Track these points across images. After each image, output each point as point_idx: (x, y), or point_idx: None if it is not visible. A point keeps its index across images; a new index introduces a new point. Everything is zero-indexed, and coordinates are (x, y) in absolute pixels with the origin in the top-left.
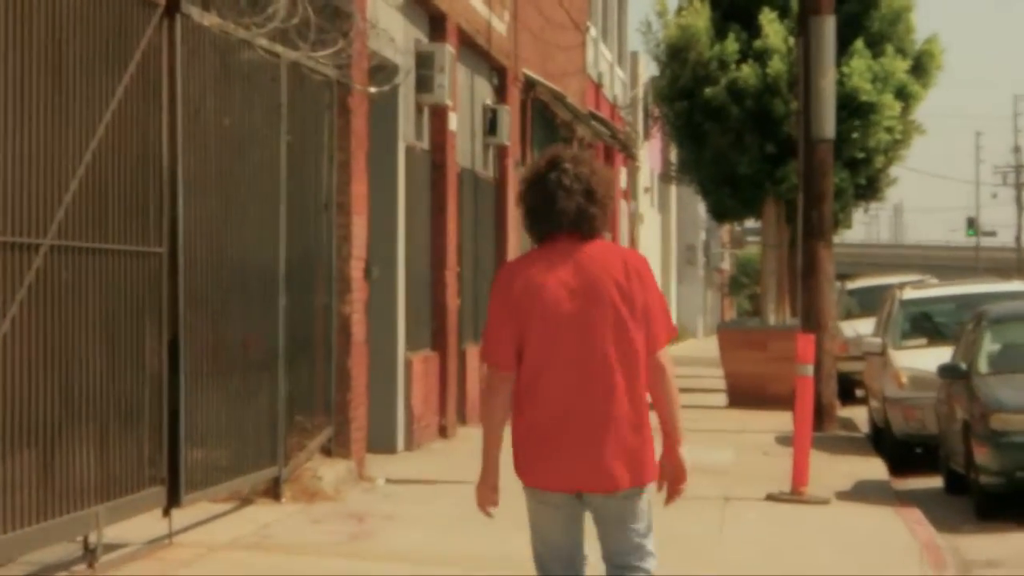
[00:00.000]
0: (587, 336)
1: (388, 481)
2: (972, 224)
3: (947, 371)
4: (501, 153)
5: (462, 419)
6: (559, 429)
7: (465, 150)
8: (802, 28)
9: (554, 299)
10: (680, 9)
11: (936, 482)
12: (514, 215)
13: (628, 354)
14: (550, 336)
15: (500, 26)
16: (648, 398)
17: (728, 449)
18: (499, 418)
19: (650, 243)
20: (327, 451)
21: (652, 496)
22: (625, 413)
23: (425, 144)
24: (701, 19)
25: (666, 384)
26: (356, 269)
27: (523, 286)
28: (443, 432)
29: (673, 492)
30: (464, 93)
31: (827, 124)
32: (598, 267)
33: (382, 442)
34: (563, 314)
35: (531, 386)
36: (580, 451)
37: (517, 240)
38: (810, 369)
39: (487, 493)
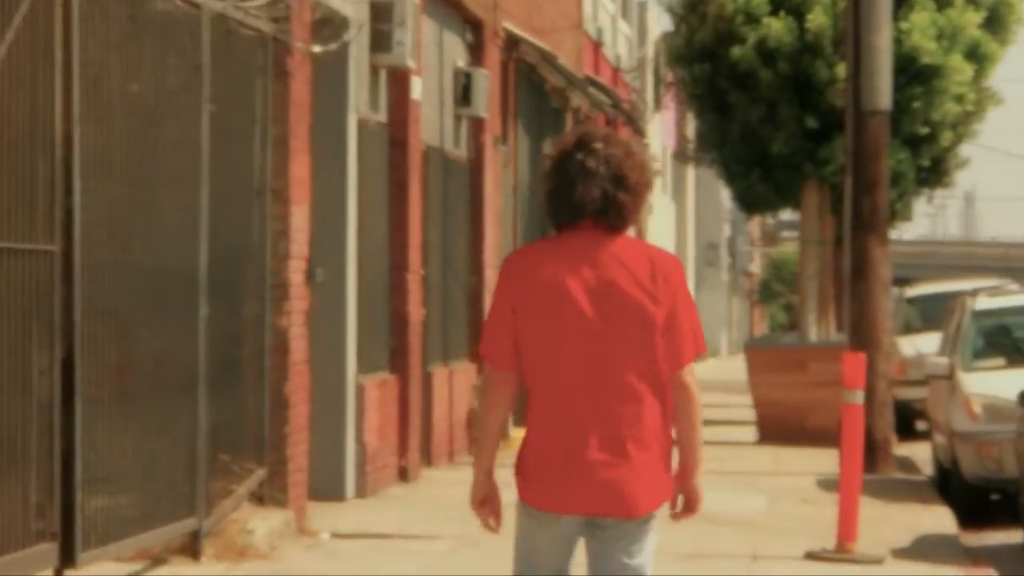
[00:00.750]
0: (609, 346)
1: (335, 536)
2: None
3: None
4: (476, 128)
5: (427, 459)
6: (579, 447)
7: (432, 124)
8: None
9: (569, 300)
10: None
11: (1016, 536)
12: (493, 204)
13: (653, 367)
14: (566, 344)
15: None
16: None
17: (758, 495)
18: (497, 420)
19: (661, 239)
20: (259, 498)
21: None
22: (647, 433)
23: (382, 116)
24: None
25: (689, 407)
26: (296, 271)
27: (532, 281)
28: (403, 475)
29: (678, 517)
30: (431, 53)
31: (881, 92)
32: (621, 266)
33: (328, 487)
34: (580, 319)
35: (548, 398)
36: (602, 473)
37: (497, 234)
38: (860, 396)
39: (483, 505)
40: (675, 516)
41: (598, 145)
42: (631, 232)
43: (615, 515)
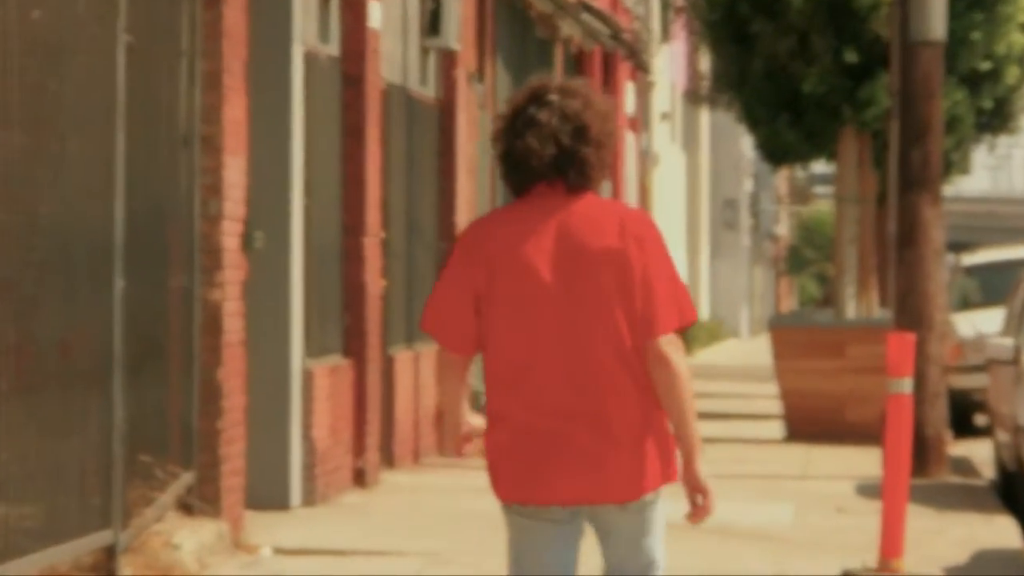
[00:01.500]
0: (578, 320)
1: (278, 552)
2: None
3: None
4: (447, 62)
5: (388, 460)
6: (552, 433)
7: (394, 58)
8: None
9: (531, 274)
10: None
11: None
12: (466, 154)
13: (628, 340)
14: (530, 320)
15: None
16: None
17: (786, 503)
18: (456, 400)
19: (671, 196)
20: (187, 507)
21: (665, 506)
22: (629, 410)
23: (333, 49)
24: None
25: (670, 379)
26: (230, 235)
27: (491, 252)
28: (360, 479)
29: (699, 512)
30: None
31: (934, 19)
32: (588, 231)
33: (269, 494)
34: (545, 293)
35: (513, 384)
36: (581, 457)
37: (471, 190)
38: (908, 385)
39: (458, 436)
40: (691, 513)
41: (552, 97)
42: (605, 189)
43: (602, 501)
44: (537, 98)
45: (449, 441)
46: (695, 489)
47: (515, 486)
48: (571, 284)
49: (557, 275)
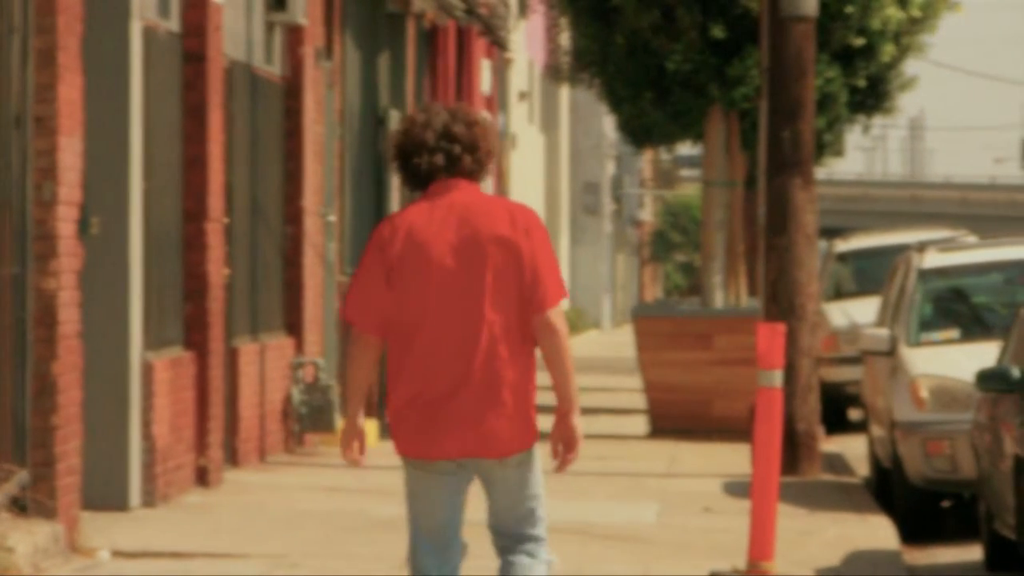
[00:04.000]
0: (469, 297)
1: (116, 555)
2: None
3: (991, 380)
4: (293, 38)
5: (232, 457)
6: (443, 396)
7: (237, 33)
8: None
9: (436, 257)
10: None
11: (972, 553)
12: (314, 135)
13: (512, 315)
14: (430, 297)
15: None
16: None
17: (651, 503)
18: (365, 379)
19: (529, 179)
20: (20, 507)
21: (541, 462)
22: (510, 377)
23: (174, 24)
24: None
25: (557, 345)
26: (65, 220)
27: (403, 243)
28: (203, 478)
29: (565, 461)
30: None
31: None
32: (482, 221)
33: (107, 493)
34: (444, 273)
35: (408, 352)
36: (466, 417)
37: (318, 173)
38: (778, 378)
39: (350, 445)
40: (559, 463)
41: (427, 113)
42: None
43: (485, 455)
44: (414, 118)
45: (345, 446)
46: (569, 438)
47: (409, 443)
48: (467, 267)
49: (456, 260)
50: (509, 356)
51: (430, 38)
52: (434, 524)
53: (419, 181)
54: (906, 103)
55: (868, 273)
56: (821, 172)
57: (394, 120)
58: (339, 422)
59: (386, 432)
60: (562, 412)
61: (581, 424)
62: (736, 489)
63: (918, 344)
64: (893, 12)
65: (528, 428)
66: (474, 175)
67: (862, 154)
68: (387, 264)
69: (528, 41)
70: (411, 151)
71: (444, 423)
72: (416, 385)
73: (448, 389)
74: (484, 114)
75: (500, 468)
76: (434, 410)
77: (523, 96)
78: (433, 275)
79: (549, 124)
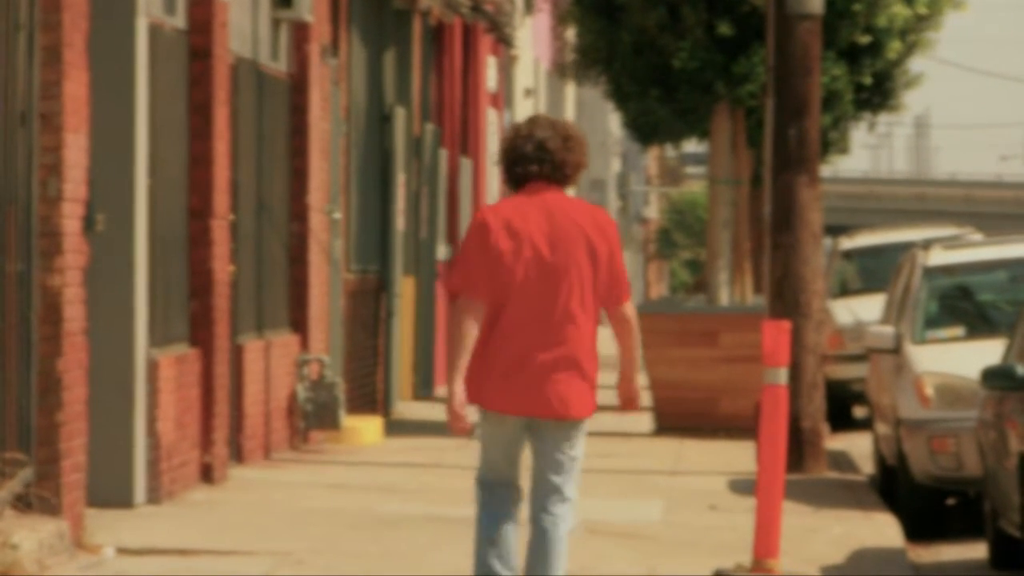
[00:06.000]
0: (550, 280)
1: (121, 552)
2: None
3: (996, 378)
4: (299, 35)
5: (237, 455)
6: (520, 361)
7: (243, 30)
8: None
9: (526, 244)
10: None
11: (977, 551)
12: (319, 132)
13: (583, 298)
14: (518, 278)
15: None
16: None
17: (656, 501)
18: (471, 340)
19: None
20: (26, 504)
21: (585, 443)
22: (576, 351)
23: (180, 21)
24: None
25: (629, 330)
26: (71, 217)
27: (500, 229)
28: (208, 475)
29: (630, 405)
30: None
31: None
32: (569, 219)
33: (112, 490)
34: (531, 259)
35: (495, 323)
36: (536, 383)
37: (324, 170)
38: (784, 375)
39: (461, 409)
40: (623, 408)
41: (542, 121)
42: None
43: (547, 416)
44: (529, 122)
45: (452, 418)
46: (632, 394)
47: (486, 397)
48: (552, 253)
49: (548, 247)
50: (577, 333)
51: (436, 35)
52: (498, 467)
53: (517, 182)
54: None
55: (873, 271)
56: (827, 170)
57: (399, 117)
58: (344, 419)
59: (391, 429)
60: (627, 375)
61: (639, 384)
62: (741, 487)
63: (923, 342)
64: (899, 9)
65: (588, 396)
66: (563, 183)
67: (868, 152)
68: (486, 246)
69: (534, 38)
70: (513, 159)
71: (519, 384)
72: (499, 351)
73: (525, 356)
74: (577, 130)
75: (556, 427)
76: (512, 372)
77: (529, 93)
78: (522, 260)
79: None
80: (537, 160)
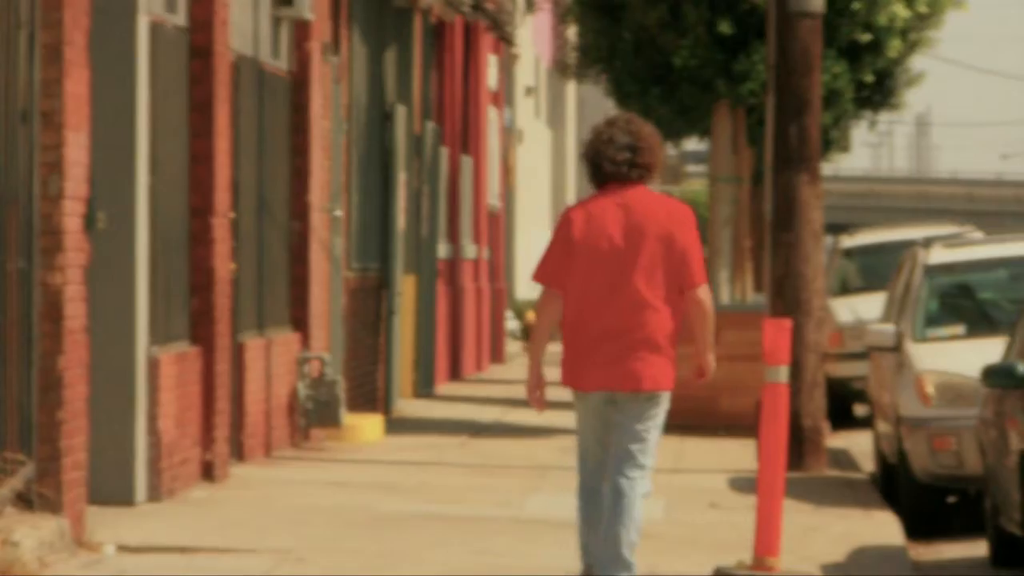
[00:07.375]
0: (626, 270)
1: (122, 549)
2: None
3: (997, 376)
4: (300, 33)
5: (238, 452)
6: (597, 344)
7: (244, 28)
8: None
9: (605, 238)
10: None
11: (978, 549)
12: (320, 130)
13: (658, 286)
14: (598, 268)
15: None
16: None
17: (657, 498)
18: (550, 326)
19: (535, 173)
20: (27, 501)
21: (663, 420)
22: (649, 335)
23: (180, 19)
24: None
25: (703, 313)
26: (72, 215)
27: (584, 225)
28: (208, 472)
29: (703, 376)
30: None
31: None
32: (644, 212)
33: (113, 488)
34: (610, 251)
35: (577, 310)
36: (612, 361)
37: (325, 168)
38: (784, 373)
39: (536, 388)
40: (695, 378)
41: (620, 122)
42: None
43: (624, 389)
44: (609, 123)
45: (531, 390)
46: (705, 366)
47: (573, 377)
48: (629, 245)
49: (624, 241)
50: (652, 315)
51: (437, 33)
52: (591, 451)
53: (600, 181)
54: (913, 99)
55: (874, 269)
56: (827, 168)
57: (400, 115)
58: (344, 417)
59: (392, 427)
60: (700, 349)
61: (713, 362)
62: (742, 485)
63: (924, 340)
64: (900, 8)
65: (661, 371)
66: (640, 180)
67: (868, 150)
68: (571, 240)
69: (535, 37)
70: (595, 160)
71: (598, 362)
72: (581, 335)
73: (602, 338)
74: (652, 131)
75: (634, 400)
76: (592, 352)
77: (530, 91)
78: (602, 251)
79: (555, 119)
80: (614, 162)
